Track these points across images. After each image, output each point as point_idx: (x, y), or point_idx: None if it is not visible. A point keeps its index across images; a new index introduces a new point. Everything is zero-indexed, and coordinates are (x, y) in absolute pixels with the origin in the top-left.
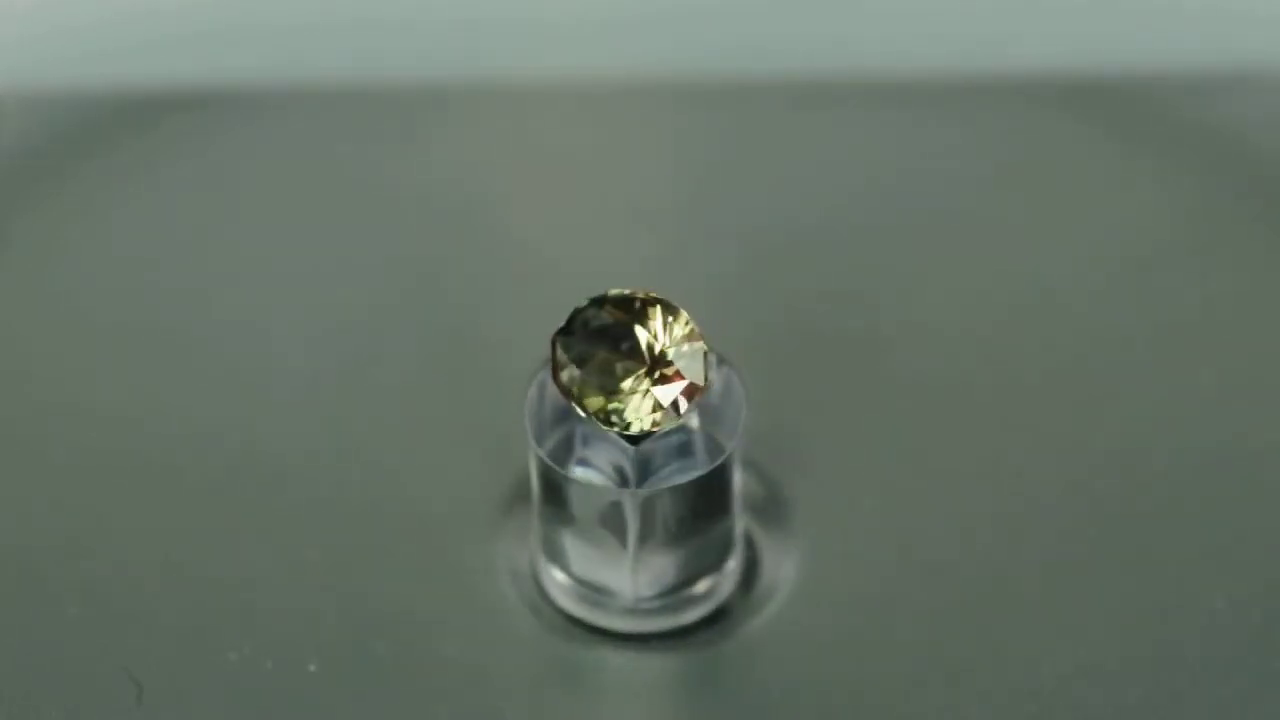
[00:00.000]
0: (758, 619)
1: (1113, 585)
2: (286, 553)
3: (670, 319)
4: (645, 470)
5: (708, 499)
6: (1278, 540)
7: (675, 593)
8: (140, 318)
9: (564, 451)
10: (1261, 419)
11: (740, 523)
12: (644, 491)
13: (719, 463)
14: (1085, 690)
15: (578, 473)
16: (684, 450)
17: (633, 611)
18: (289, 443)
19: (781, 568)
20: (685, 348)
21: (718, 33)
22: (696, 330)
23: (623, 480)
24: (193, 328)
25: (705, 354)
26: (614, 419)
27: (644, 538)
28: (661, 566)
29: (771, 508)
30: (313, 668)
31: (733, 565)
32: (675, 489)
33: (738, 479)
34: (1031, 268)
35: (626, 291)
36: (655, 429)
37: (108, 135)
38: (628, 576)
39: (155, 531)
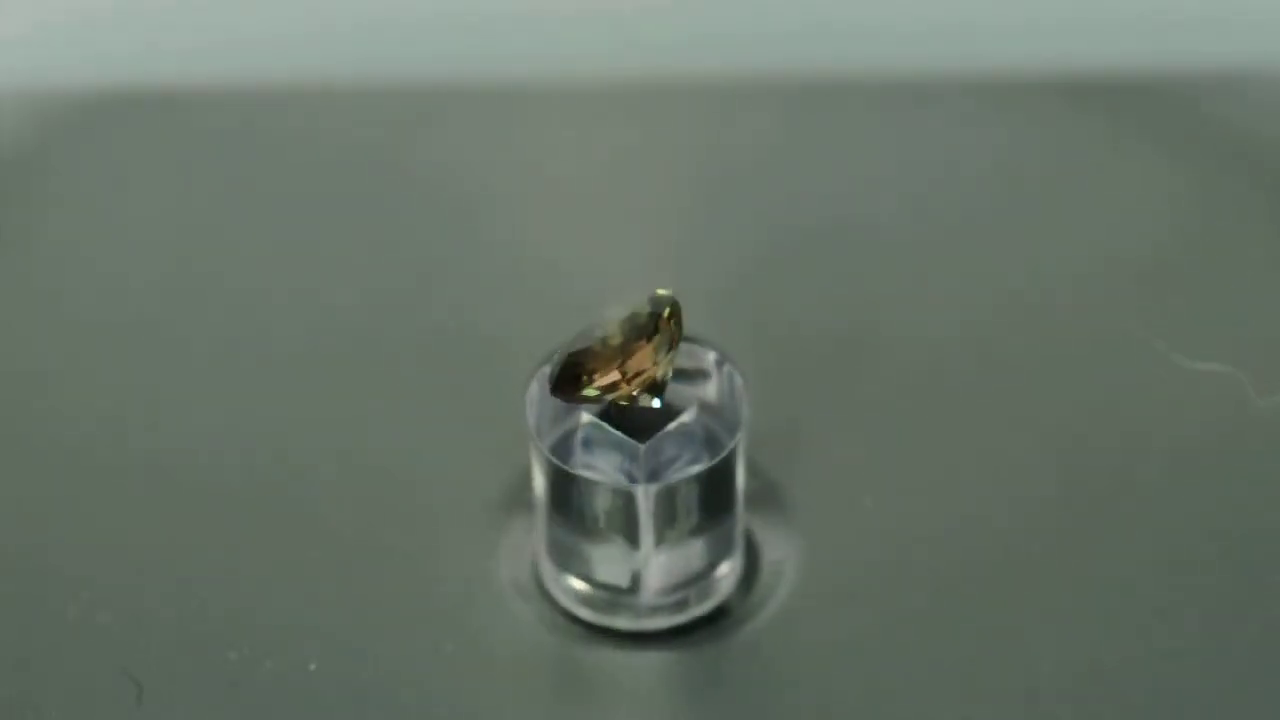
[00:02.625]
0: (758, 618)
1: (1113, 583)
2: (287, 552)
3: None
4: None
5: (616, 514)
6: (1278, 539)
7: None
8: (138, 317)
9: (565, 448)
10: (1264, 416)
11: (661, 583)
12: (555, 460)
13: (632, 486)
14: (1085, 689)
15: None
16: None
17: (635, 611)
18: (289, 441)
19: (781, 567)
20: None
21: (719, 33)
22: (663, 379)
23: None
24: (191, 327)
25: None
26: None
27: (550, 512)
28: (567, 551)
29: (772, 506)
30: (313, 667)
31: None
32: (578, 479)
33: (648, 509)
34: (1032, 267)
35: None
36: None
37: (106, 134)
38: (541, 543)
39: (155, 531)
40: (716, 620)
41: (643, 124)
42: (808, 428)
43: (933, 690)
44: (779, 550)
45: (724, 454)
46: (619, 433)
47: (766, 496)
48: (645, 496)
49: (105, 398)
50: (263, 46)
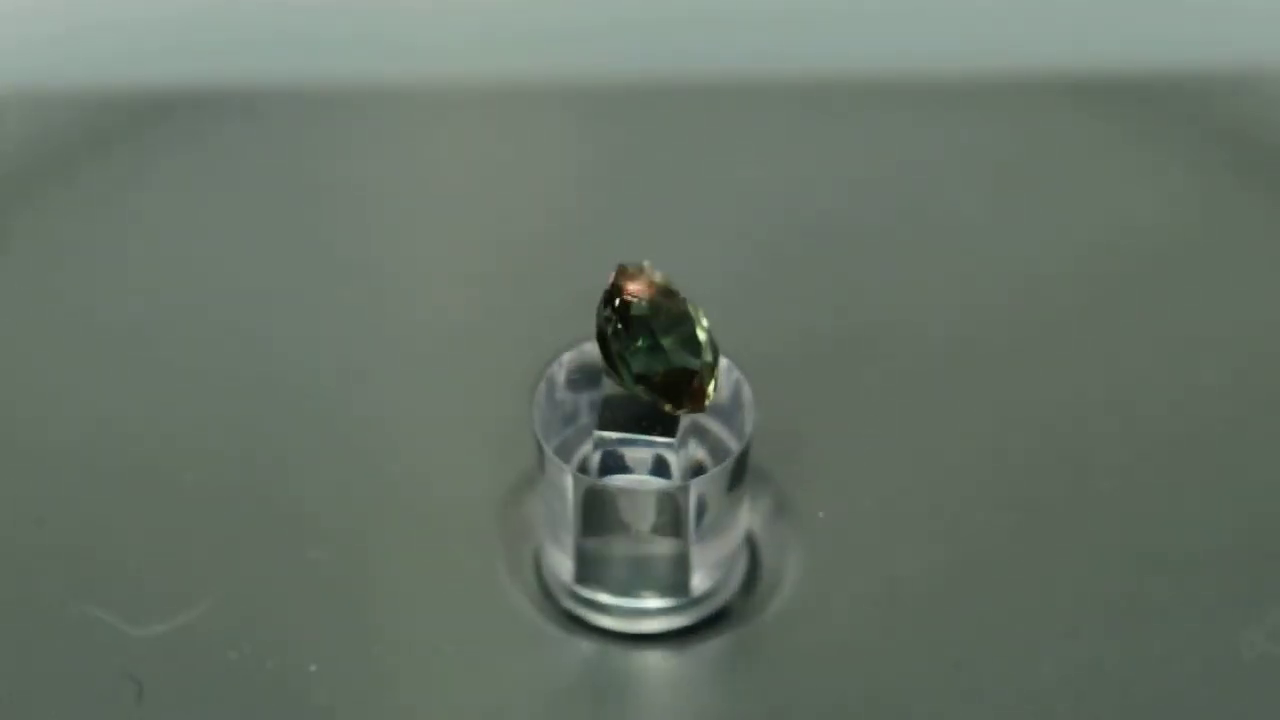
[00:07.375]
0: (759, 619)
1: (1115, 583)
2: (287, 552)
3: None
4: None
5: (662, 517)
6: (1278, 535)
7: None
8: (141, 317)
9: (568, 450)
10: (1263, 414)
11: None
12: (553, 452)
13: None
14: (1086, 688)
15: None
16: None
17: (635, 612)
18: (290, 441)
19: (783, 568)
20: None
21: (719, 33)
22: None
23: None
24: (193, 327)
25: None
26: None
27: (581, 529)
28: (603, 564)
29: (773, 507)
30: (313, 668)
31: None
32: (614, 491)
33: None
34: (1033, 266)
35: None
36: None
37: (109, 135)
38: (566, 553)
39: (156, 531)
40: (717, 621)
41: (644, 124)
42: (807, 428)
43: (933, 691)
44: (781, 551)
45: (733, 457)
46: (649, 436)
47: (766, 496)
48: (688, 495)
49: (106, 398)
50: (263, 48)
